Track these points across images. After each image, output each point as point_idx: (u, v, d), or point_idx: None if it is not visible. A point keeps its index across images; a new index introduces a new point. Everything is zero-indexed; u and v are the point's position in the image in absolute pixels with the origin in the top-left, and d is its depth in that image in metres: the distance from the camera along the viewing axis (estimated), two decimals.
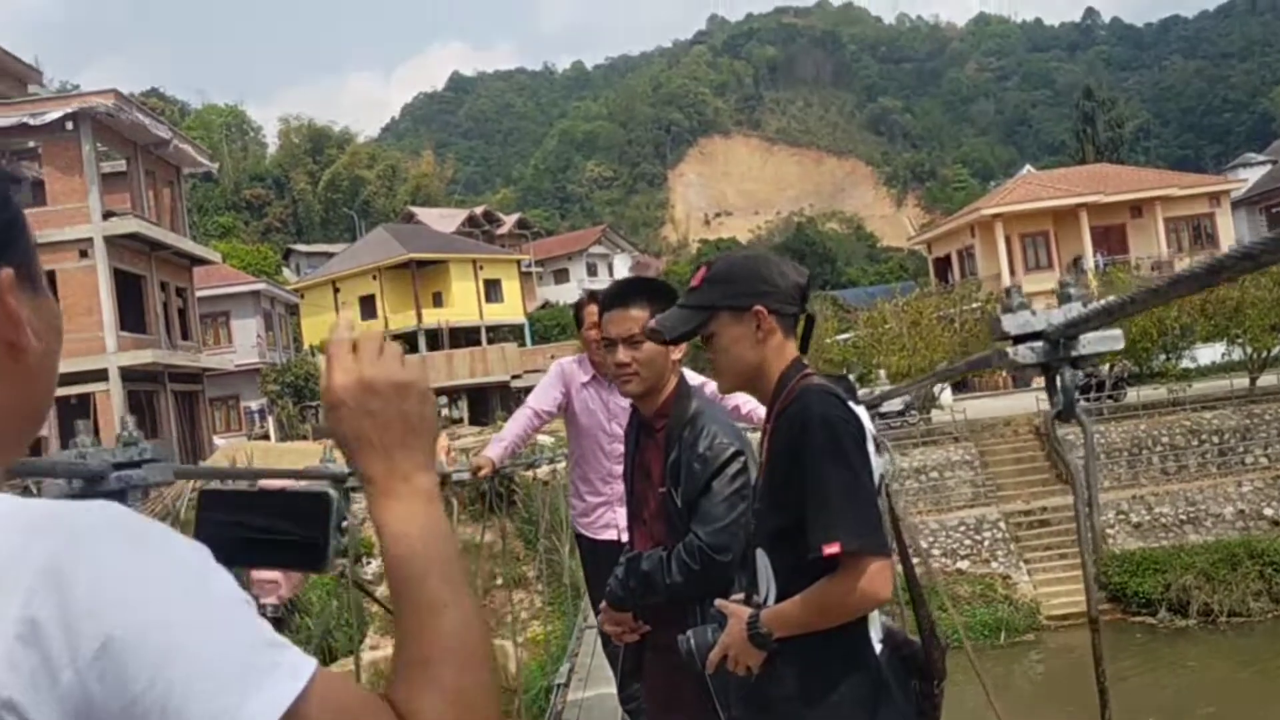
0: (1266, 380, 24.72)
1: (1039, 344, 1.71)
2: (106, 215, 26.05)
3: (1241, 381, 24.70)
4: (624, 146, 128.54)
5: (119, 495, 1.86)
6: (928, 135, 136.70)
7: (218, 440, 33.09)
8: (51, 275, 25.23)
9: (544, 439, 17.64)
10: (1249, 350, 25.86)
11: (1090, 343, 1.67)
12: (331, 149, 77.22)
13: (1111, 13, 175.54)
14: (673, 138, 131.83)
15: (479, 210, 69.51)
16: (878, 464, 2.13)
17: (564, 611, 13.38)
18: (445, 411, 40.07)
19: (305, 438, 33.80)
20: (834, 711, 2.06)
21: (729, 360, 2.22)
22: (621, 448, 3.58)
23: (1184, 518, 20.79)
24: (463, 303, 49.05)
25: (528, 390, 5.06)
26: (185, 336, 31.14)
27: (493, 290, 51.04)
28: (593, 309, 3.94)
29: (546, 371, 4.52)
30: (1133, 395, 24.78)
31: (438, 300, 48.80)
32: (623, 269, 62.30)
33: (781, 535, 2.11)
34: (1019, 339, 1.72)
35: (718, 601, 2.30)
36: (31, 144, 26.64)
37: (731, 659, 2.17)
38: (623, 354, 2.93)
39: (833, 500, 1.98)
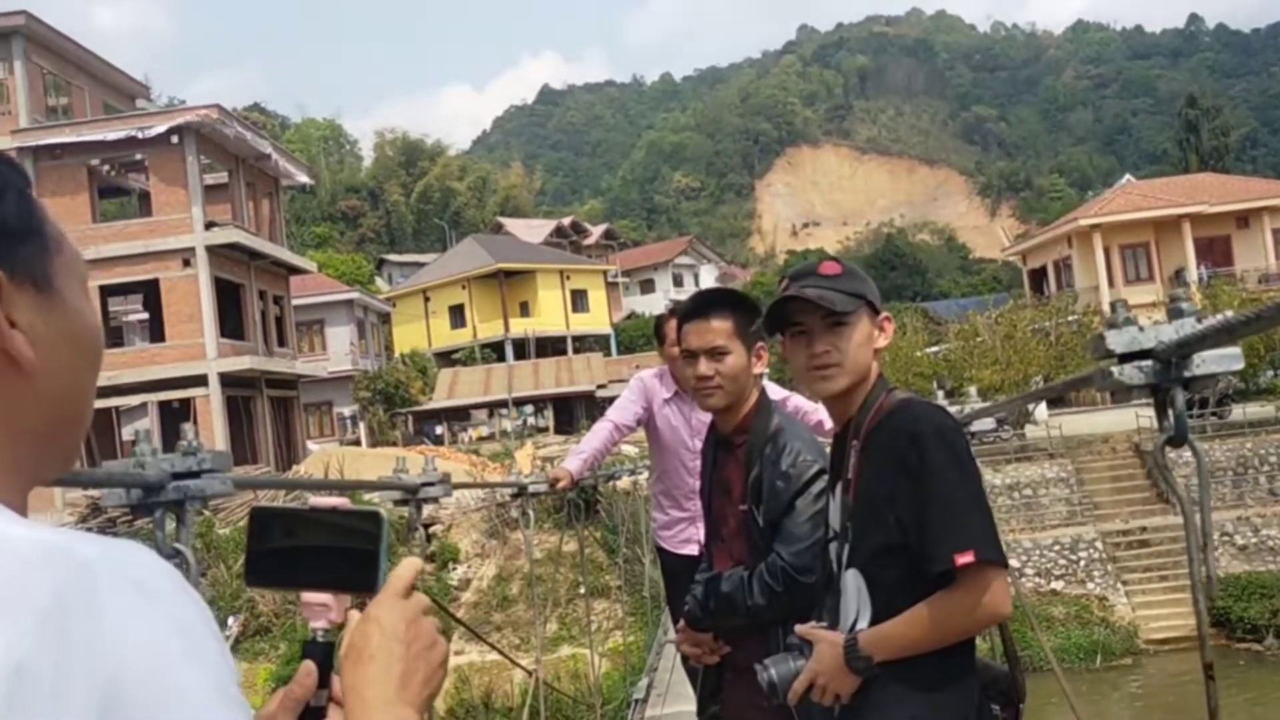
0: None
1: (1148, 363, 1.58)
2: (208, 225, 26.89)
3: None
4: (711, 157, 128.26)
5: (176, 505, 1.85)
6: (1023, 144, 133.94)
7: (311, 445, 33.89)
8: (155, 283, 26.67)
9: (628, 448, 17.64)
10: None
11: (1206, 362, 1.54)
12: (424, 161, 78.54)
13: (1217, 19, 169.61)
14: (760, 148, 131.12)
15: (566, 221, 70.08)
16: None
17: (645, 622, 13.35)
18: (531, 420, 40.47)
19: (395, 444, 34.46)
20: None
21: (856, 358, 2.13)
22: None
23: None
24: (549, 312, 49.55)
25: (612, 400, 5.01)
26: (281, 343, 31.95)
27: (579, 300, 51.47)
28: (673, 325, 3.80)
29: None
30: (1238, 412, 23.90)
31: (525, 310, 49.38)
32: (709, 279, 62.19)
33: (885, 552, 2.02)
34: (1125, 357, 1.59)
35: (799, 628, 2.20)
36: (139, 156, 27.64)
37: (819, 688, 2.07)
38: (704, 366, 2.83)
39: (961, 510, 1.93)
